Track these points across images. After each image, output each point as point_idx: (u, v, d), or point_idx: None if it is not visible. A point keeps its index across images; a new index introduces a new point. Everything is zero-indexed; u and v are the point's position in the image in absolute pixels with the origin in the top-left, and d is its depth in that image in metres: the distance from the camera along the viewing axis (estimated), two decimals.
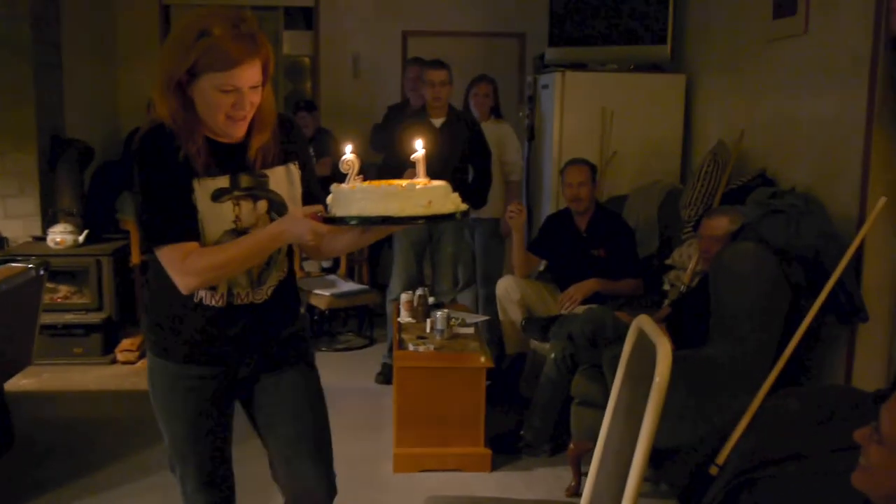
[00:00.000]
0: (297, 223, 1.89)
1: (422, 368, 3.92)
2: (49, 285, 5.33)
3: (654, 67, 5.63)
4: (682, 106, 5.54)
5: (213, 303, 2.06)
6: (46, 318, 5.19)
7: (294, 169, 2.10)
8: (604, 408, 2.46)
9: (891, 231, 3.48)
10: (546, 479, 3.78)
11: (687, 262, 4.44)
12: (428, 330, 4.23)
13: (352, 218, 1.81)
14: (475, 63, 6.59)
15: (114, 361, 5.50)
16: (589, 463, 3.61)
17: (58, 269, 5.33)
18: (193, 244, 1.94)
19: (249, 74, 1.88)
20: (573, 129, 5.53)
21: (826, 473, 2.13)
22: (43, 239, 5.55)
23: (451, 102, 4.98)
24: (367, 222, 1.81)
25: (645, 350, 2.26)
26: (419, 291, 4.58)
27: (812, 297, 3.41)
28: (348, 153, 1.93)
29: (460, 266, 5.31)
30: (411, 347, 4.02)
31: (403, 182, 1.88)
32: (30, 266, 3.99)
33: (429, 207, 1.82)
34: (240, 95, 1.88)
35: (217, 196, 1.98)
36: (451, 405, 3.91)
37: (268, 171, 2.04)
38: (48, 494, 3.64)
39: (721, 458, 2.23)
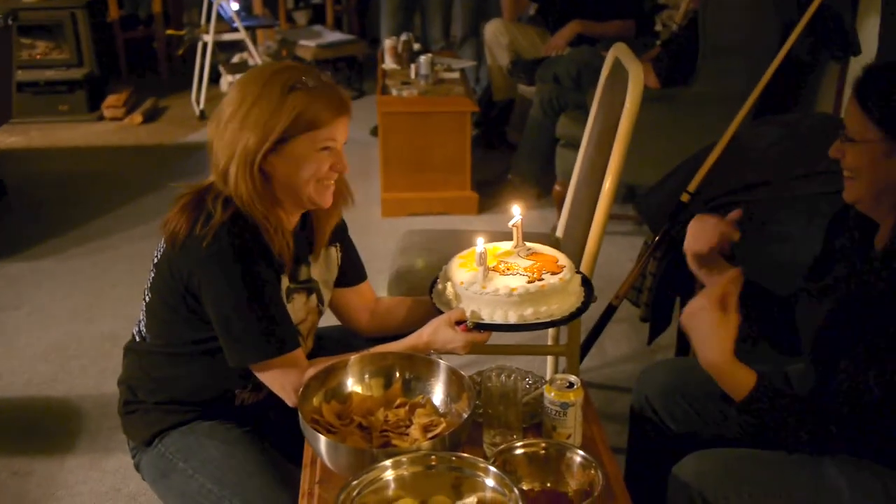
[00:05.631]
0: (448, 336, 1.59)
1: (406, 114, 3.88)
2: (25, 41, 5.20)
3: None
4: None
5: (255, 400, 1.73)
6: (27, 76, 5.12)
7: (335, 253, 1.81)
8: None
9: None
10: (532, 219, 3.86)
11: (680, 0, 4.26)
12: (412, 76, 4.14)
13: (507, 326, 1.57)
14: None
15: (101, 118, 5.46)
16: None
17: (31, 24, 5.17)
18: (301, 353, 1.63)
19: (345, 127, 1.60)
20: None
21: (795, 198, 2.15)
22: None
23: None
24: (524, 328, 1.57)
25: (621, 79, 2.21)
26: (404, 37, 4.45)
27: (804, 35, 3.30)
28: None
29: (460, 13, 5.10)
30: (395, 92, 3.95)
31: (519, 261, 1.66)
32: None
33: (577, 298, 1.64)
34: (337, 154, 1.60)
35: (288, 294, 1.66)
36: (438, 150, 3.91)
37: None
38: (46, 243, 3.75)
39: (693, 186, 2.24)
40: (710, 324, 1.40)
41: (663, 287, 2.40)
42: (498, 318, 1.57)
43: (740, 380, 1.40)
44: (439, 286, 1.73)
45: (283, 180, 1.58)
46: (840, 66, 3.53)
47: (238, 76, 5.54)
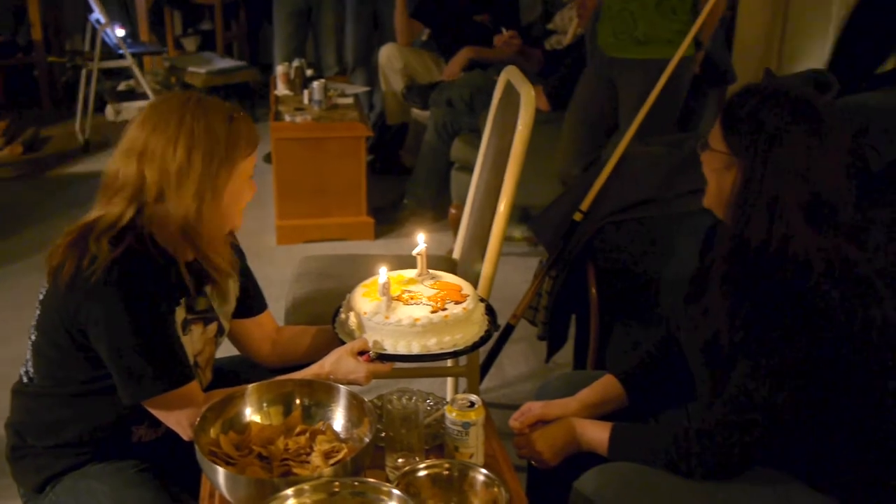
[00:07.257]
0: (350, 366, 1.58)
1: (300, 139, 3.85)
2: None
3: None
4: None
5: (154, 436, 1.66)
6: None
7: (232, 283, 1.75)
8: None
9: None
10: (429, 242, 3.84)
11: (568, 25, 4.38)
12: (306, 101, 4.12)
13: (410, 357, 1.58)
14: None
15: None
16: None
17: None
18: (197, 386, 1.59)
19: None
20: None
21: (684, 214, 2.23)
22: None
23: None
24: (427, 359, 1.59)
25: (513, 102, 2.25)
26: (296, 63, 4.42)
27: None
28: (383, 275, 1.62)
29: (349, 41, 5.10)
30: (288, 118, 3.92)
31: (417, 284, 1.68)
32: None
33: (480, 328, 1.66)
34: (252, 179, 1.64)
35: (184, 326, 1.62)
36: (332, 176, 3.90)
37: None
38: None
39: (585, 205, 2.29)
40: (540, 437, 1.66)
41: (559, 305, 2.44)
42: (401, 349, 1.58)
43: (597, 442, 1.59)
44: (342, 315, 1.72)
45: (223, 208, 1.57)
46: (718, 90, 3.69)
47: (125, 104, 5.42)
